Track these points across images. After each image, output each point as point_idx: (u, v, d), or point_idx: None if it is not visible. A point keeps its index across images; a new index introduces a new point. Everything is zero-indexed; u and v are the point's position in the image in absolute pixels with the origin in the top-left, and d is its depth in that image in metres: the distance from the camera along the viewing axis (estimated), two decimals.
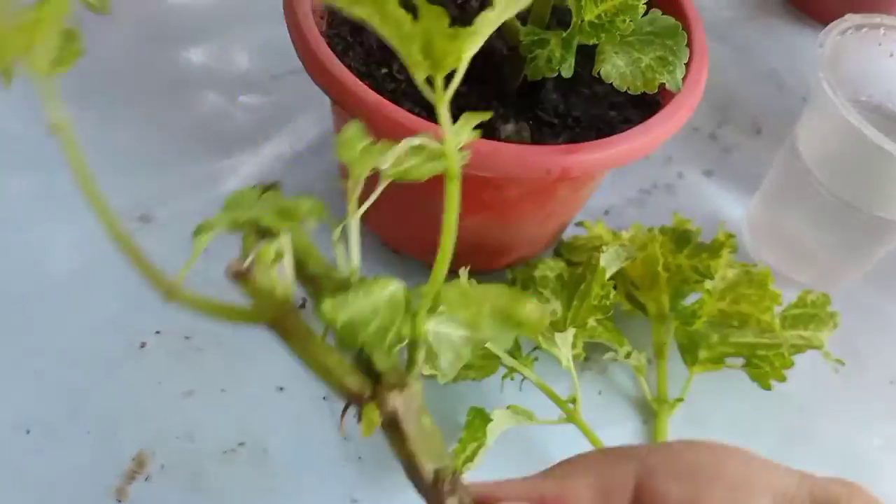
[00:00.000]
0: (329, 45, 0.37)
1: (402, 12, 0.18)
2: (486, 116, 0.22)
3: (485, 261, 0.46)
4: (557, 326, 0.40)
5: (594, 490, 0.27)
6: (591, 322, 0.41)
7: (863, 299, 0.51)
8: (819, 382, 0.46)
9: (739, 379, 0.43)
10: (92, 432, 0.38)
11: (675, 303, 0.44)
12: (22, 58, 0.17)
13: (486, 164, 0.35)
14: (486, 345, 0.39)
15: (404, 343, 0.21)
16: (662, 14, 0.36)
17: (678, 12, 0.42)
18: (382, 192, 0.44)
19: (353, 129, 0.23)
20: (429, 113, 0.39)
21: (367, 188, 0.49)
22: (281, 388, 0.41)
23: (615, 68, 0.34)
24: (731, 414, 0.45)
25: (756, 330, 0.43)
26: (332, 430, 0.40)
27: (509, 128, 0.38)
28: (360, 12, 0.18)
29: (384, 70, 0.40)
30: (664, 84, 0.35)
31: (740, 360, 0.43)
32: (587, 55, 0.37)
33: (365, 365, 0.22)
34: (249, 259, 0.18)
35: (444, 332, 0.23)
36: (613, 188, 0.53)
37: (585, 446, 0.40)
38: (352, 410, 0.22)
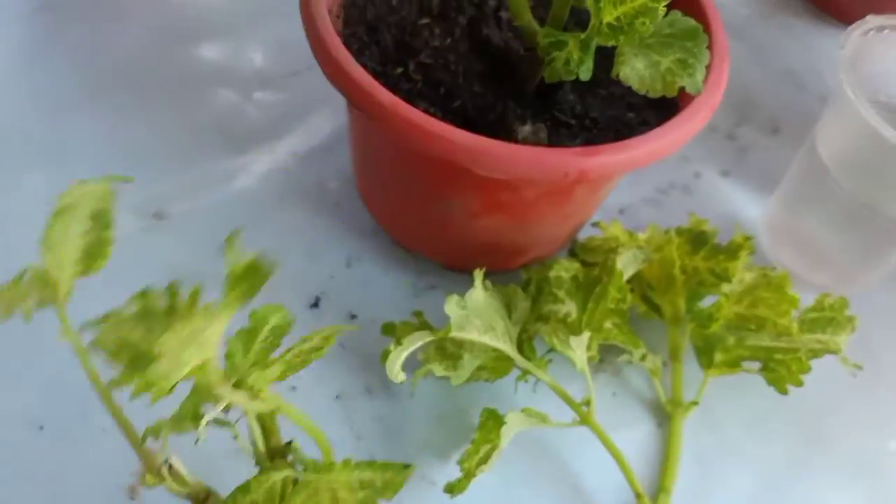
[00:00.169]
0: (344, 44, 0.36)
1: None
2: None
3: (500, 261, 0.46)
4: (572, 329, 0.40)
5: None
6: (607, 324, 0.40)
7: (881, 302, 0.51)
8: (836, 386, 0.46)
9: (755, 382, 0.43)
10: (106, 430, 0.38)
11: (691, 305, 0.44)
12: None
13: (503, 166, 0.35)
14: (499, 346, 0.39)
15: None
16: (683, 15, 0.36)
17: (699, 13, 0.41)
18: (397, 194, 0.44)
19: None
20: (444, 113, 0.39)
21: (379, 184, 0.49)
22: (293, 388, 0.41)
23: (634, 71, 0.34)
24: (746, 418, 0.44)
25: (773, 333, 0.42)
26: (344, 429, 0.40)
27: (526, 129, 0.38)
28: None
29: (400, 70, 0.40)
30: (683, 87, 0.35)
31: (757, 364, 0.43)
32: (605, 55, 0.36)
33: None
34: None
35: None
36: (630, 187, 0.53)
37: (599, 449, 0.40)
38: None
